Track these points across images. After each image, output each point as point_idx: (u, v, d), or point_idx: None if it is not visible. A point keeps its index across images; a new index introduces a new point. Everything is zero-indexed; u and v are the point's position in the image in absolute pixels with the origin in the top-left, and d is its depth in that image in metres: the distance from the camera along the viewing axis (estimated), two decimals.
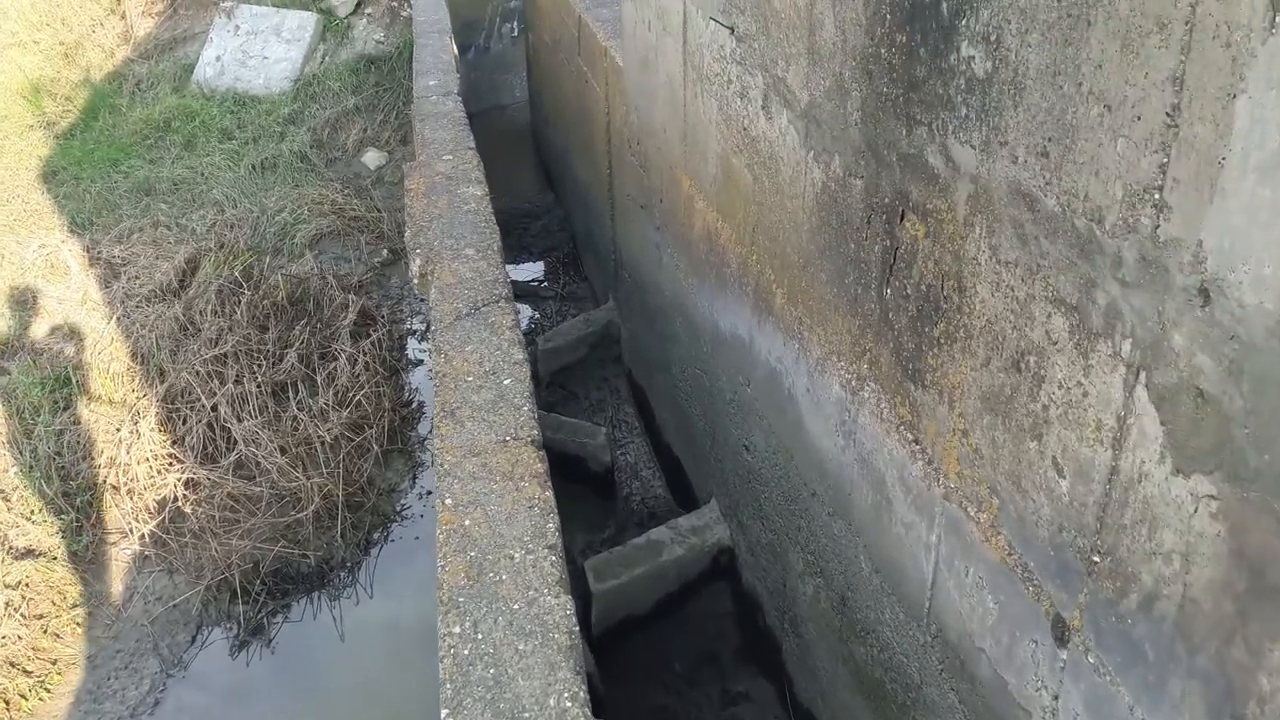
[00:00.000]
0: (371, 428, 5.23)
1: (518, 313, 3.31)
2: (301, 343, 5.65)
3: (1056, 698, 1.96)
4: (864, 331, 2.68)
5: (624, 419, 6.33)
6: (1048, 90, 1.70)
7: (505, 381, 2.65)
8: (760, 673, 4.08)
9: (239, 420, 5.03)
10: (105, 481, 4.86)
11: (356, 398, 5.31)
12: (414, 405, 5.79)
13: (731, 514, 4.35)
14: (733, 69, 3.52)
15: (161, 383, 5.24)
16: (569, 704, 1.89)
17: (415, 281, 3.48)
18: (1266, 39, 1.22)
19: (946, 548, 2.34)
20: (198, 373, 5.24)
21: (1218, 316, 1.38)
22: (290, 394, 5.32)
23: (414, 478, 5.25)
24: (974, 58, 1.93)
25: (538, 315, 7.79)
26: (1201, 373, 1.43)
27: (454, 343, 2.89)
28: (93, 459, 4.92)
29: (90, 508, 4.78)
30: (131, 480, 4.84)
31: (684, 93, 4.22)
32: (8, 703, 3.99)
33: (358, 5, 10.36)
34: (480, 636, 1.90)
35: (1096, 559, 1.76)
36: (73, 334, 5.89)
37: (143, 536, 4.63)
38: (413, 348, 6.39)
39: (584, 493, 5.53)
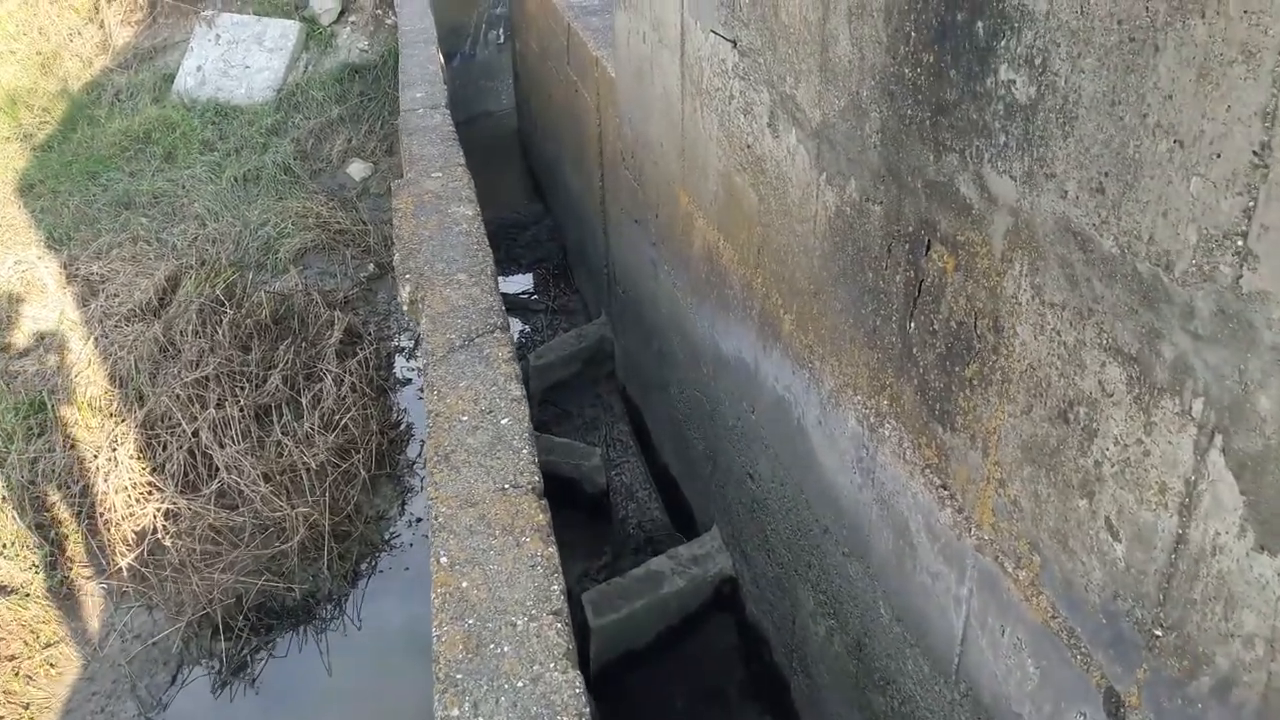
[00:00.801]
0: (359, 452, 5.05)
1: (514, 342, 3.15)
2: (286, 363, 5.46)
3: None
4: (884, 366, 2.52)
5: (618, 437, 6.17)
6: (1104, 121, 1.54)
7: (503, 421, 2.48)
8: (767, 711, 3.92)
9: (221, 446, 4.84)
10: (82, 512, 4.66)
11: (343, 421, 5.12)
12: (403, 427, 5.61)
13: (734, 543, 4.19)
14: (735, 84, 3.37)
15: (141, 407, 5.04)
16: None
17: (405, 308, 3.31)
18: None
19: (979, 603, 2.19)
20: (178, 396, 5.05)
21: None
22: (274, 417, 5.13)
23: (403, 504, 5.07)
24: (1014, 82, 1.78)
25: (528, 329, 7.61)
26: None
27: (447, 378, 2.72)
28: (69, 488, 4.72)
29: (66, 540, 4.58)
30: (109, 510, 4.64)
31: (682, 106, 4.06)
32: None
33: (341, 13, 10.18)
34: None
35: (1159, 633, 1.61)
36: (49, 355, 5.68)
37: (120, 570, 4.43)
38: (400, 366, 6.21)
39: (579, 517, 5.36)
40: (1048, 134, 1.70)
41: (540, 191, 9.84)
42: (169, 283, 6.14)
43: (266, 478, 4.70)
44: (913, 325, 2.34)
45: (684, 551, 4.32)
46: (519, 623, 1.86)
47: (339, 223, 7.52)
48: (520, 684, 1.73)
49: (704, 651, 4.21)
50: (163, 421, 4.98)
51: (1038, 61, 1.70)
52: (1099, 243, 1.61)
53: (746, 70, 3.22)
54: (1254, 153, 1.27)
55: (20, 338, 5.99)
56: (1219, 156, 1.33)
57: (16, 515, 4.57)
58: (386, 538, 4.86)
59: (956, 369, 2.15)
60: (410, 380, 6.09)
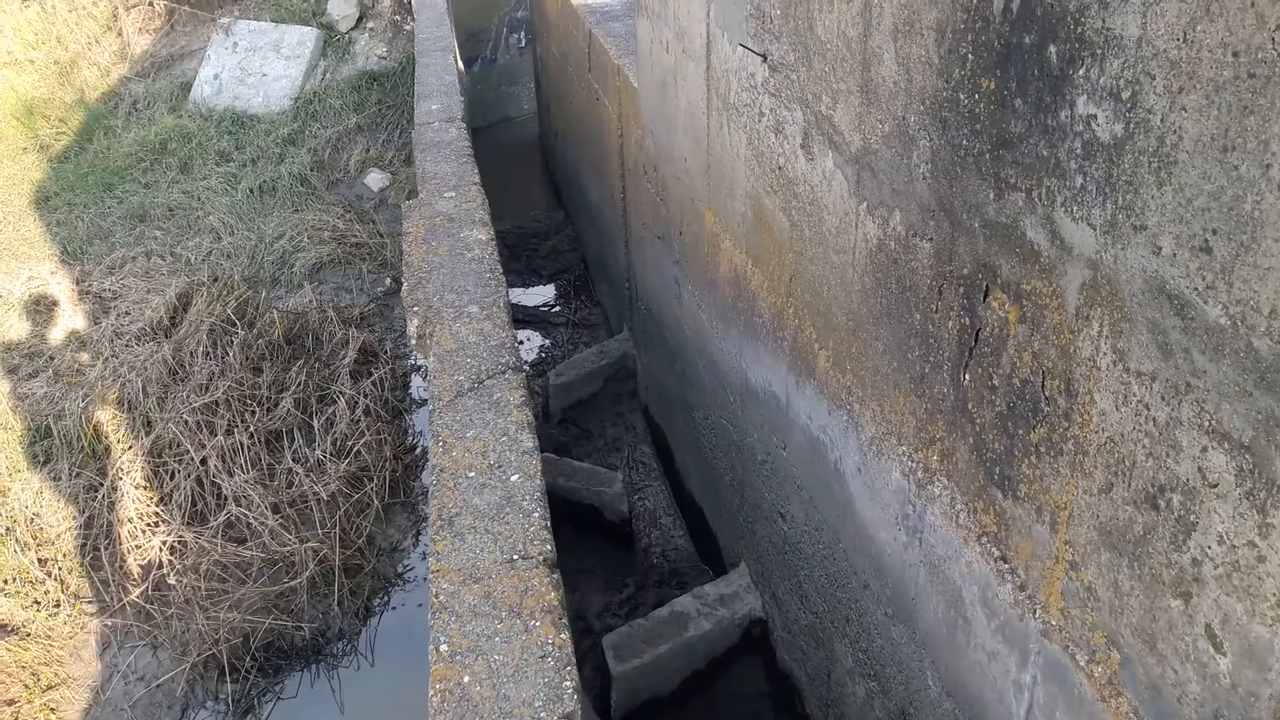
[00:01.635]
0: (372, 480, 4.86)
1: (528, 383, 2.94)
2: (298, 385, 5.28)
3: None
4: (933, 417, 2.29)
5: (641, 459, 5.95)
6: (1213, 169, 1.31)
7: (513, 478, 2.27)
8: None
9: (230, 475, 4.66)
10: (86, 545, 4.50)
11: (356, 447, 4.94)
12: (418, 451, 5.42)
13: (764, 583, 3.96)
14: (765, 100, 3.14)
15: (148, 434, 4.88)
16: None
17: (413, 343, 3.11)
18: None
19: (1045, 694, 1.95)
20: (186, 423, 4.88)
21: None
22: (285, 443, 4.95)
23: (417, 535, 4.88)
24: (1095, 117, 1.54)
25: (548, 343, 7.41)
26: None
27: (454, 427, 2.52)
28: (73, 520, 4.56)
29: (69, 575, 4.42)
30: (114, 543, 4.47)
31: (707, 121, 3.84)
32: None
33: (359, 20, 10.01)
34: None
35: None
36: (57, 379, 5.53)
37: (124, 607, 4.26)
38: (417, 385, 6.02)
39: (599, 545, 5.15)
40: (1137, 179, 1.47)
41: (561, 199, 9.64)
42: (180, 301, 5.99)
43: (276, 509, 4.52)
44: (967, 377, 2.10)
45: (710, 590, 4.10)
46: None
47: (356, 235, 7.35)
48: None
49: (731, 698, 3.98)
50: (170, 449, 4.81)
51: (1125, 95, 1.46)
52: (1202, 310, 1.37)
53: (778, 87, 2.99)
54: None
55: (28, 360, 5.85)
56: None
57: (19, 550, 4.41)
58: (400, 571, 4.67)
59: (1020, 431, 1.92)
60: (426, 401, 5.90)
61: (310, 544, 4.33)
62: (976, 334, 2.04)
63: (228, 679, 4.03)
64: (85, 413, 4.99)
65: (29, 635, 4.14)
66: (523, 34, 11.63)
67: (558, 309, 7.89)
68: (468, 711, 1.71)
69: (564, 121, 8.64)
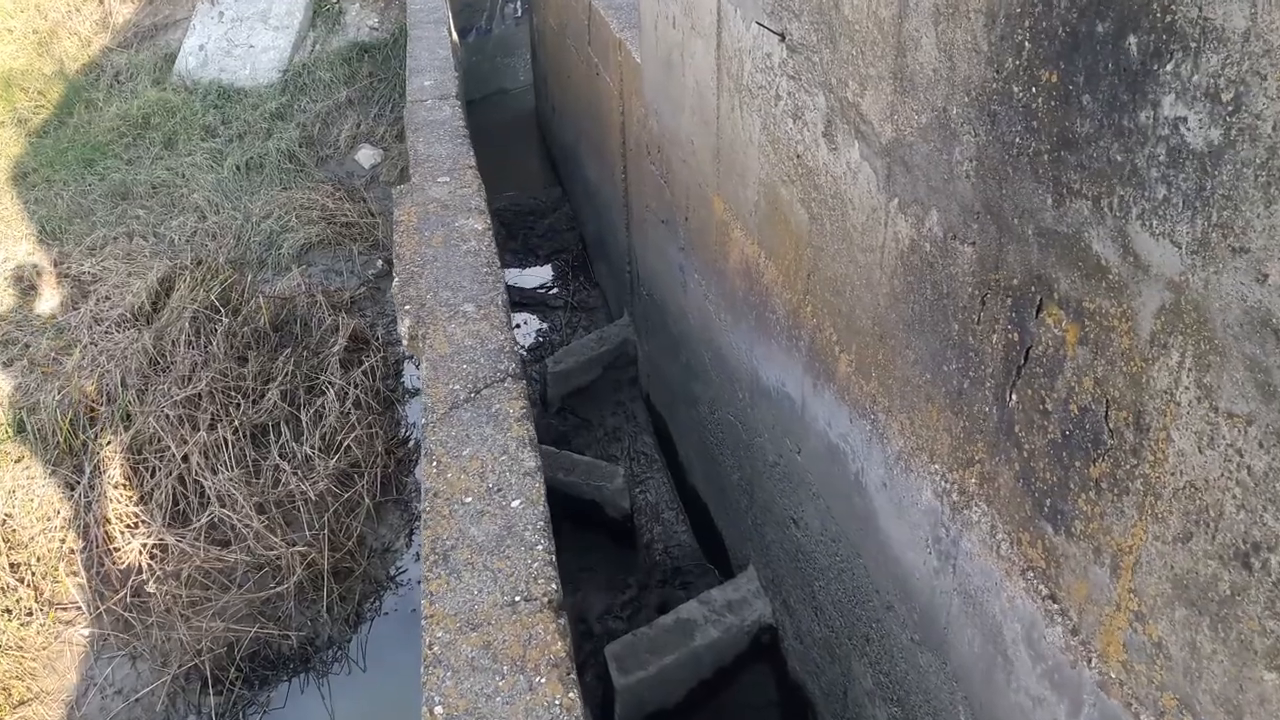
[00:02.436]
0: (362, 477, 4.66)
1: (529, 391, 2.74)
2: (285, 375, 5.07)
3: None
4: (971, 437, 2.10)
5: (642, 450, 5.76)
6: None
7: (514, 504, 2.08)
8: None
9: (213, 473, 4.46)
10: (61, 548, 4.30)
11: (346, 442, 4.73)
12: (411, 444, 5.22)
13: (774, 588, 3.79)
14: (783, 83, 2.92)
15: (127, 429, 4.67)
16: None
17: (405, 345, 2.90)
18: None
19: None
20: (167, 417, 4.67)
21: None
22: (272, 438, 4.75)
23: (410, 534, 4.68)
24: (1185, 120, 1.33)
25: (546, 327, 7.19)
26: None
27: (449, 444, 2.32)
28: (47, 521, 4.36)
29: (43, 581, 4.22)
30: (91, 547, 4.28)
31: (717, 103, 3.61)
32: None
33: None
34: None
35: None
36: (32, 368, 5.31)
37: (102, 616, 4.07)
38: (410, 374, 5.81)
39: (600, 542, 4.96)
40: (1238, 194, 1.26)
41: (559, 176, 9.38)
42: (162, 285, 5.76)
43: (261, 509, 4.32)
44: (1014, 397, 1.90)
45: (717, 596, 3.92)
46: None
47: (346, 215, 7.10)
48: None
49: (740, 708, 3.82)
50: (151, 445, 4.60)
51: (1227, 97, 1.25)
52: None
53: (797, 69, 2.77)
54: None
55: (3, 346, 5.62)
56: None
57: None
58: (392, 574, 4.48)
59: (1077, 463, 1.73)
60: (420, 390, 5.69)
61: (298, 547, 4.14)
62: (1026, 352, 1.85)
63: (211, 691, 3.84)
64: (61, 405, 4.78)
65: (0, 647, 3.95)
66: (519, 3, 11.32)
67: (555, 291, 7.67)
68: None
69: (562, 96, 8.37)
